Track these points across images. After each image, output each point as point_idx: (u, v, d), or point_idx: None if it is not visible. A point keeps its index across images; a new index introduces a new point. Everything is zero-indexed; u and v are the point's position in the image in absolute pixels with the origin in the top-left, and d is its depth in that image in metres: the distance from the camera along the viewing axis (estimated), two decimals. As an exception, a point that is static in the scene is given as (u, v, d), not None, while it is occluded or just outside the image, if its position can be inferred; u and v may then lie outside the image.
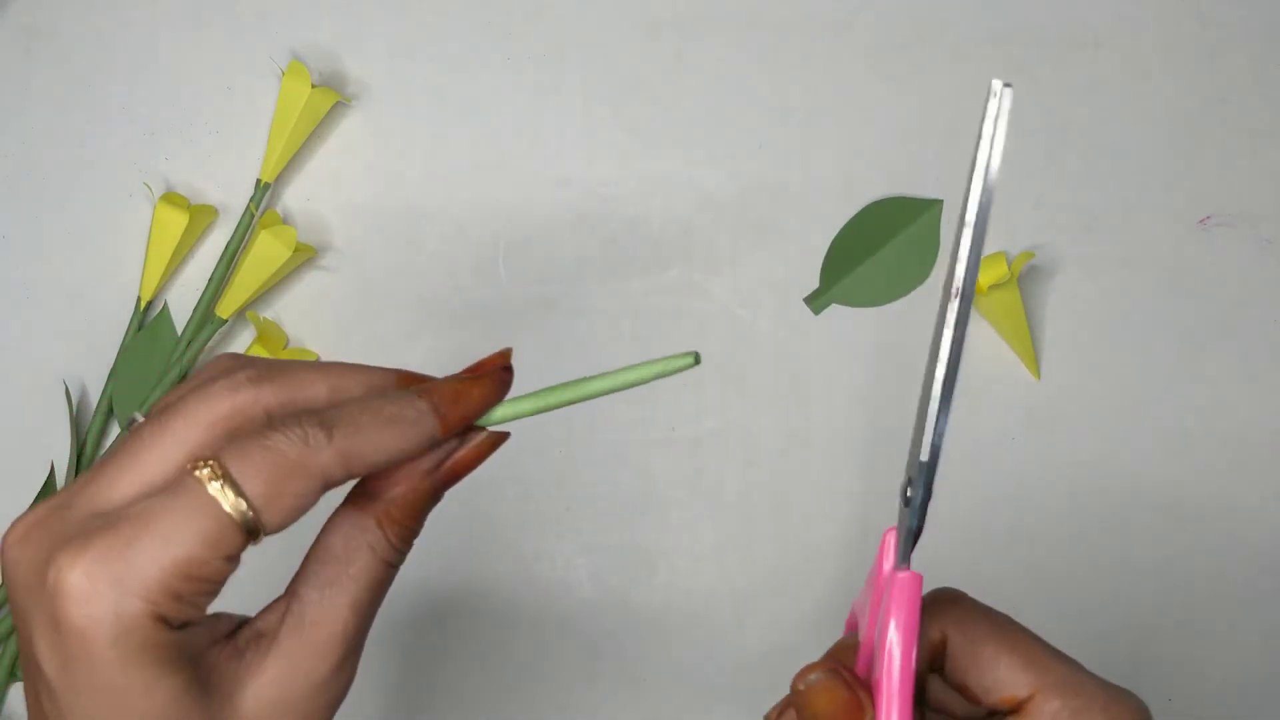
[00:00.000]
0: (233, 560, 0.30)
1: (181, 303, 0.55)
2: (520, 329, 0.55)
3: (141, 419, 0.32)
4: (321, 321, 0.56)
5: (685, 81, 0.57)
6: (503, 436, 0.35)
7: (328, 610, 0.32)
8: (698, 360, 0.34)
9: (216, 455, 0.29)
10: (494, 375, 0.34)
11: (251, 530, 0.29)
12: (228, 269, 0.54)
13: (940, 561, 0.54)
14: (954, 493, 0.55)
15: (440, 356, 0.54)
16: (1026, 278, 0.55)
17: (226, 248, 0.54)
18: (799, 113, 0.56)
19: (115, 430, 0.54)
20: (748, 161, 0.56)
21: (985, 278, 0.54)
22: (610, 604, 0.54)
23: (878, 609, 0.34)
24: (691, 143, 0.56)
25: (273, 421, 0.30)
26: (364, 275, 0.56)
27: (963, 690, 0.35)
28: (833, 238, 0.56)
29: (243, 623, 0.33)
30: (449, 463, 0.34)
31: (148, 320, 0.55)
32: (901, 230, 0.55)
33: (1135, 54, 0.57)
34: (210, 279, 0.54)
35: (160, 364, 0.54)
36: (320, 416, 0.31)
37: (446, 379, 0.34)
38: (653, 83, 0.57)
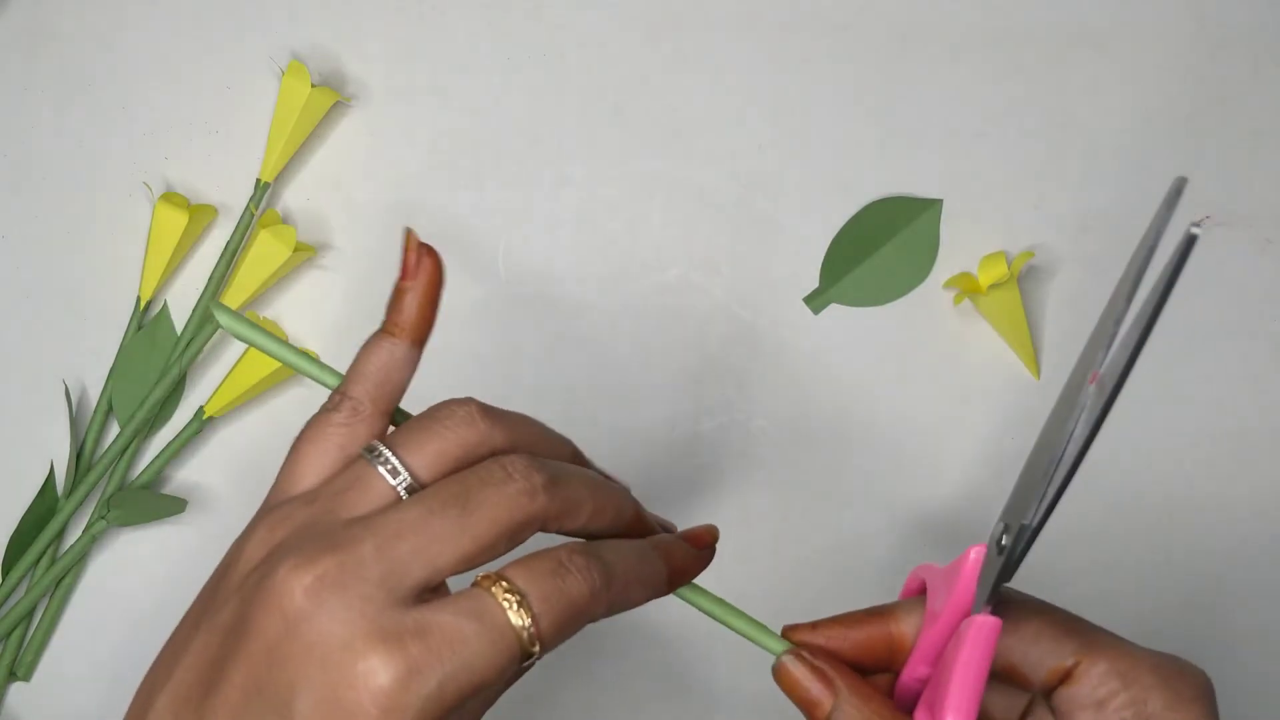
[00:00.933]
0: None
1: (181, 302, 0.55)
2: (520, 329, 0.55)
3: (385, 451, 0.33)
4: (321, 321, 0.56)
5: (685, 81, 0.57)
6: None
7: None
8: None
9: (524, 592, 0.31)
10: (707, 554, 0.37)
11: (526, 657, 0.31)
12: (227, 268, 0.54)
13: (939, 560, 0.54)
14: (954, 493, 0.55)
15: (438, 356, 0.54)
16: (1026, 278, 0.55)
17: (226, 247, 0.54)
18: (799, 113, 0.56)
19: (115, 429, 0.55)
20: (748, 161, 0.56)
21: (985, 277, 0.54)
22: (610, 604, 0.54)
23: (949, 631, 0.34)
24: (691, 143, 0.56)
25: (564, 562, 0.32)
26: (364, 275, 0.56)
27: (1011, 673, 0.35)
28: (833, 238, 0.56)
29: None
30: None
31: (147, 320, 0.55)
32: (901, 230, 0.55)
33: (1135, 54, 0.57)
34: (210, 278, 0.54)
35: (160, 363, 0.54)
36: (603, 564, 0.33)
37: (678, 544, 0.36)
38: (653, 83, 0.57)
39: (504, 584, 0.31)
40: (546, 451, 0.35)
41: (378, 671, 0.29)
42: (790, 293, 0.56)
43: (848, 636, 0.36)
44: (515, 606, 0.31)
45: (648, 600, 0.35)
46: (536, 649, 0.31)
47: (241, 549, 0.33)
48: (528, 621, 0.31)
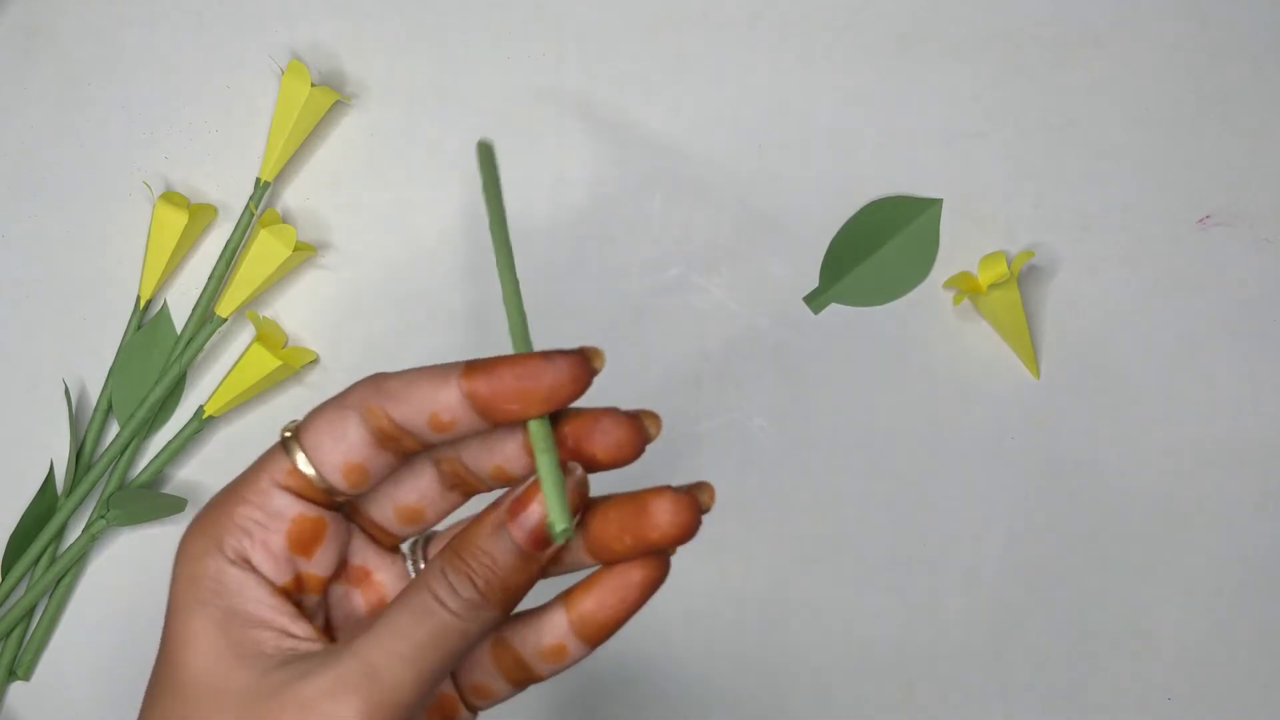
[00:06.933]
0: (280, 488, 0.32)
1: (181, 302, 0.55)
2: (520, 329, 0.55)
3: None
4: (321, 320, 0.56)
5: (685, 81, 0.57)
6: (581, 480, 0.32)
7: (360, 630, 0.31)
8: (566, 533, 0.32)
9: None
10: (545, 353, 0.32)
11: (312, 470, 0.32)
12: (227, 268, 0.54)
13: (939, 560, 0.54)
14: (953, 492, 0.55)
15: (440, 356, 0.54)
16: (1026, 277, 0.55)
17: (226, 246, 0.54)
18: (799, 113, 0.56)
19: (115, 429, 0.55)
20: (747, 161, 0.56)
21: (985, 277, 0.54)
22: (610, 604, 0.54)
23: None
24: (691, 142, 0.56)
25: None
26: (364, 274, 0.56)
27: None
28: (832, 237, 0.56)
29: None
30: (512, 498, 0.31)
31: (147, 319, 0.55)
32: (901, 230, 0.55)
33: (1135, 54, 0.57)
34: (210, 278, 0.54)
35: (160, 363, 0.54)
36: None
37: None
38: (653, 82, 0.57)
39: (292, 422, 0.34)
40: None
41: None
42: (790, 293, 0.56)
43: None
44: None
45: (444, 390, 0.32)
46: (291, 435, 0.32)
47: None
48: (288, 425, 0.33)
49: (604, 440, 0.33)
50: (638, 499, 0.33)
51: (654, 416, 0.34)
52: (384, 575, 0.35)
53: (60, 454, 0.54)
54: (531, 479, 0.31)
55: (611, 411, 0.33)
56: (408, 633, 0.30)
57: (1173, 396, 0.55)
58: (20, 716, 0.54)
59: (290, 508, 0.32)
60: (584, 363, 0.32)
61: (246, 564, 0.32)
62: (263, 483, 0.32)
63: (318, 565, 0.33)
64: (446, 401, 0.31)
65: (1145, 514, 0.55)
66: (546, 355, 0.32)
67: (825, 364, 0.55)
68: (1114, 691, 0.54)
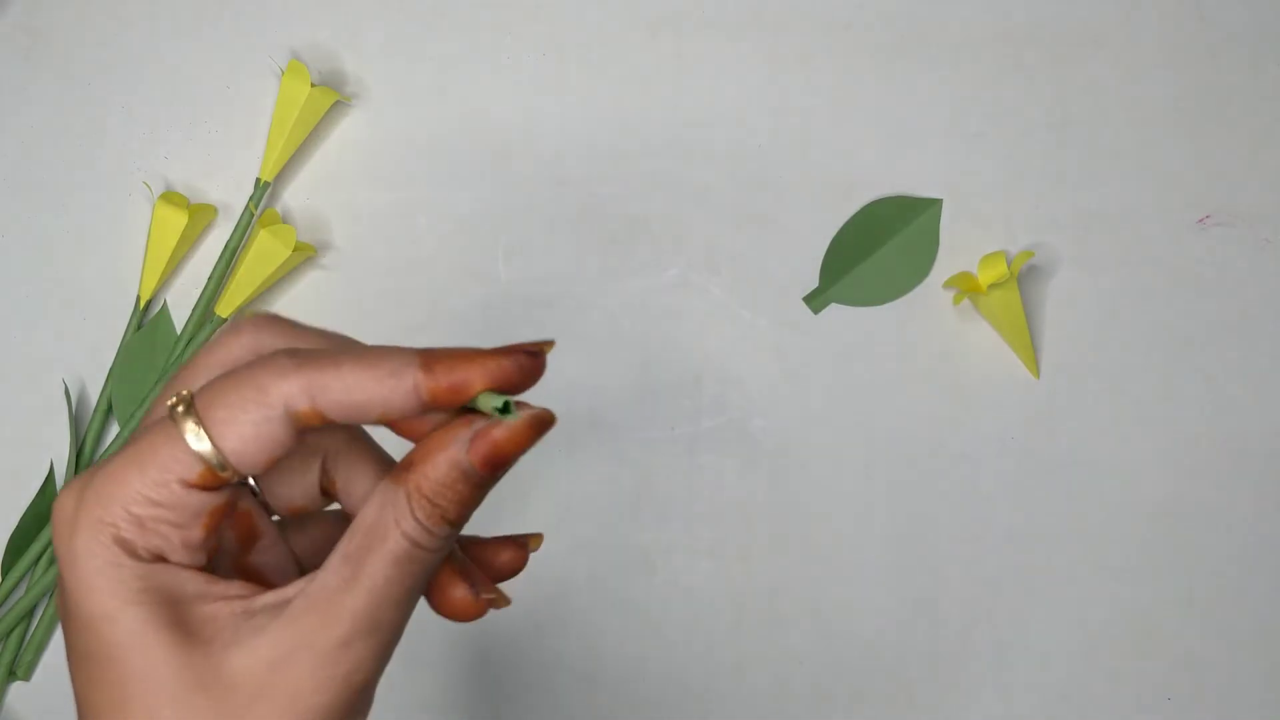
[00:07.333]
0: (193, 489, 0.30)
1: (181, 302, 0.55)
2: (520, 329, 0.55)
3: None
4: (321, 321, 0.55)
5: (685, 80, 0.57)
6: (545, 420, 0.33)
7: (341, 580, 0.31)
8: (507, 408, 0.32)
9: (193, 390, 0.30)
10: (508, 352, 0.32)
11: (219, 464, 0.30)
12: (227, 268, 0.54)
13: (940, 560, 0.54)
14: (953, 492, 0.55)
15: (440, 356, 0.54)
16: (1026, 277, 0.55)
17: (226, 246, 0.54)
18: (799, 113, 0.56)
19: (115, 429, 0.55)
20: (748, 161, 0.56)
21: (985, 277, 0.54)
22: (609, 604, 0.54)
23: None
24: (691, 142, 0.56)
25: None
26: (364, 274, 0.56)
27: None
28: (832, 237, 0.56)
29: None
30: (481, 441, 0.32)
31: (147, 319, 0.55)
32: (901, 230, 0.55)
33: (1135, 54, 0.57)
34: (210, 278, 0.54)
35: (160, 363, 0.54)
36: (295, 350, 0.31)
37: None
38: (653, 82, 0.57)
39: (177, 395, 0.30)
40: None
41: (57, 502, 0.30)
42: (790, 293, 0.56)
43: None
44: (180, 407, 0.30)
45: (399, 393, 0.31)
46: (201, 432, 0.30)
47: None
48: (182, 410, 0.30)
49: (497, 560, 0.37)
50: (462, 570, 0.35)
51: (536, 536, 0.38)
52: (245, 502, 0.34)
53: (60, 454, 0.54)
54: (489, 421, 0.32)
55: (505, 540, 0.37)
56: (398, 581, 0.32)
57: (1173, 396, 0.55)
58: (20, 716, 0.54)
59: (206, 503, 0.31)
60: (542, 359, 0.33)
61: (162, 559, 0.31)
62: (174, 486, 0.30)
63: (221, 536, 0.33)
64: (403, 404, 0.31)
65: (1145, 514, 0.55)
66: (506, 352, 0.32)
67: (825, 364, 0.55)
68: (1114, 691, 0.54)
